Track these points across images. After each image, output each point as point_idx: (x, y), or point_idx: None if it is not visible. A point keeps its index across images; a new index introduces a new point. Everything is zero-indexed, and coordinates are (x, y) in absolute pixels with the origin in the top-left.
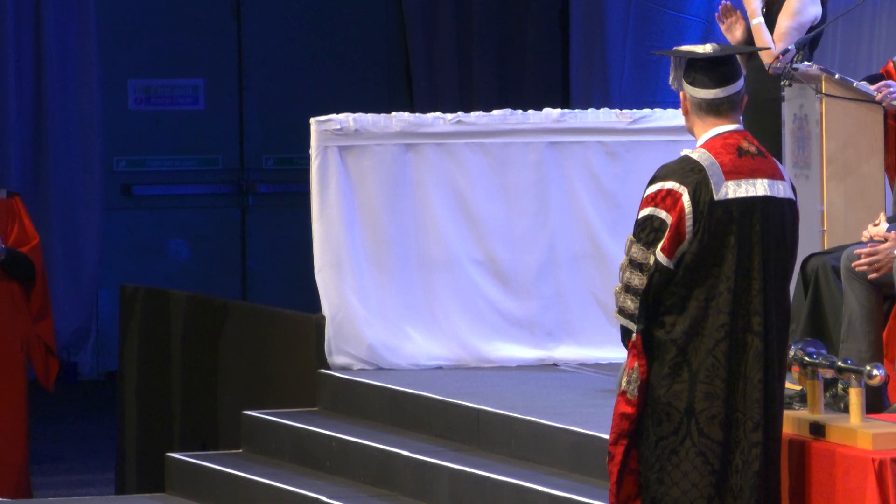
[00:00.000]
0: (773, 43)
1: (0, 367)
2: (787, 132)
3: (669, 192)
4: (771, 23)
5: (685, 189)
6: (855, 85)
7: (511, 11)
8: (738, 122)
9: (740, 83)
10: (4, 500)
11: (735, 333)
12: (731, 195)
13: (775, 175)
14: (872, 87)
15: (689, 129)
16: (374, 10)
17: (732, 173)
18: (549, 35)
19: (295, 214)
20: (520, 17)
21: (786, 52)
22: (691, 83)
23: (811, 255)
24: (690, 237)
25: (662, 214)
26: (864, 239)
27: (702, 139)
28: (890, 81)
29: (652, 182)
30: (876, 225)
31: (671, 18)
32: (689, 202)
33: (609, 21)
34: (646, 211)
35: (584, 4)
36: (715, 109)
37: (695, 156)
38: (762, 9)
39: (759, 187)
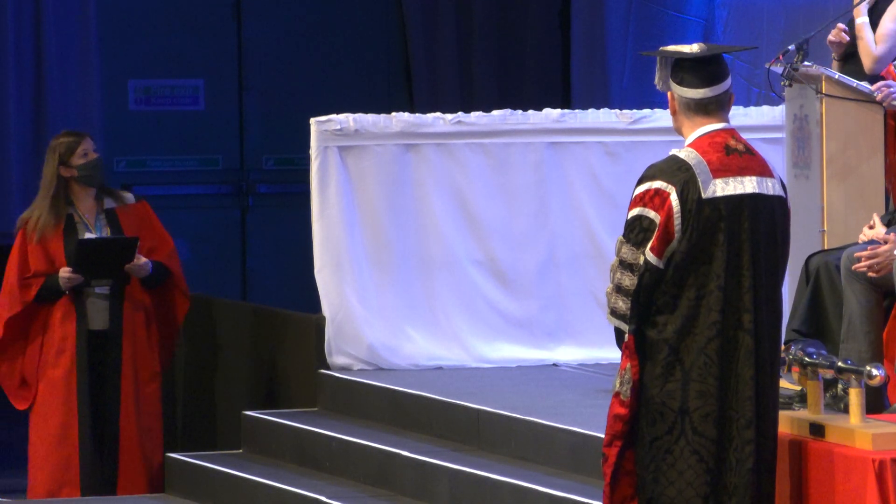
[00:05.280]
0: (873, 43)
1: (142, 380)
2: (787, 132)
3: (657, 191)
4: (874, 23)
5: (673, 188)
6: (855, 85)
7: (511, 11)
8: (725, 120)
9: (728, 82)
10: (4, 500)
11: (726, 331)
12: (718, 193)
13: (764, 172)
14: (872, 87)
15: (678, 129)
16: (374, 10)
17: (720, 171)
18: (549, 35)
19: (295, 214)
20: (520, 17)
21: (786, 51)
22: (679, 83)
23: (814, 253)
24: (679, 236)
25: (651, 214)
26: (861, 241)
27: (689, 138)
28: (890, 81)
29: (640, 182)
30: (871, 227)
31: (672, 19)
32: (677, 201)
33: (609, 21)
34: (634, 211)
35: (585, 4)
36: (703, 109)
37: (682, 155)
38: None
39: (747, 185)
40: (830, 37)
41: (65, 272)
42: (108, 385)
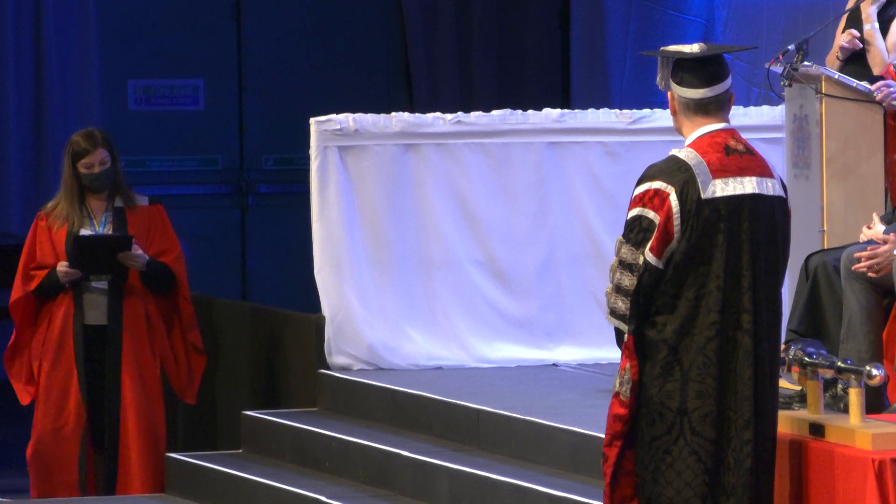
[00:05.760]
0: (885, 49)
1: (143, 378)
2: (787, 132)
3: (657, 191)
4: (883, 28)
5: (672, 188)
6: (855, 85)
7: (511, 11)
8: (726, 120)
9: (728, 82)
10: (4, 500)
11: (725, 331)
12: (718, 193)
13: (764, 173)
14: (872, 87)
15: (678, 129)
16: (374, 10)
17: (720, 171)
18: (549, 35)
19: (295, 214)
20: (520, 17)
21: (786, 51)
22: (679, 83)
23: (814, 253)
24: (679, 236)
25: (650, 214)
26: (861, 241)
27: (689, 138)
28: (890, 81)
29: (640, 182)
30: (870, 227)
31: (672, 18)
32: (677, 201)
33: (609, 21)
34: (634, 211)
35: (584, 4)
36: (703, 109)
37: (682, 155)
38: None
39: (746, 185)
40: (843, 42)
41: (62, 266)
42: (108, 382)
